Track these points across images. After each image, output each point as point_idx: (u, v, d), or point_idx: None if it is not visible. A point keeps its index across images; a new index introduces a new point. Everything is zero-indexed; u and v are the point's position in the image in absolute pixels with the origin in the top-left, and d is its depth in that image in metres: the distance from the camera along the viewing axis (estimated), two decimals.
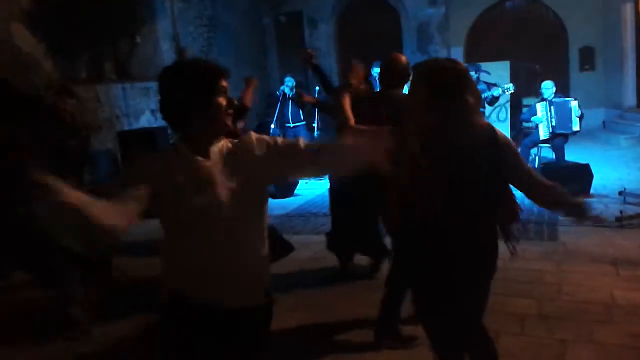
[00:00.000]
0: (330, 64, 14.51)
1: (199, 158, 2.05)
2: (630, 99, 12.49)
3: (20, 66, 7.56)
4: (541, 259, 5.29)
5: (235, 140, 2.18)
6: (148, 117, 9.77)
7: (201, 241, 2.04)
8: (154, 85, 9.95)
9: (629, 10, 12.30)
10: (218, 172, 2.06)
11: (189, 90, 1.99)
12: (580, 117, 8.39)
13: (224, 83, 2.06)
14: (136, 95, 9.49)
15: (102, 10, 8.95)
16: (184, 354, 2.10)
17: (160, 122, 10.00)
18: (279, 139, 2.20)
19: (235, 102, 4.69)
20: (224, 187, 2.05)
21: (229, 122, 2.10)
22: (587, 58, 13.25)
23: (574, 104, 8.37)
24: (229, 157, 2.10)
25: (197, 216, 2.01)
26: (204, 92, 2.01)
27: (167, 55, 10.05)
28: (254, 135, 2.17)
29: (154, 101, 9.88)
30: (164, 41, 10.11)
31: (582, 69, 13.32)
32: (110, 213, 1.78)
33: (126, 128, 9.23)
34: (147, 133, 8.69)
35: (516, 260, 4.99)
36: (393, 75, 4.07)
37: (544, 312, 4.15)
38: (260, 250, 2.18)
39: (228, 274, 2.08)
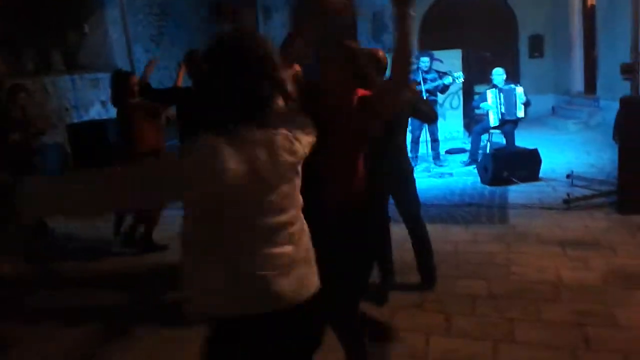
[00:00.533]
0: None
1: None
2: (578, 85, 12.84)
3: None
4: (492, 241, 5.40)
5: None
6: (98, 109, 9.54)
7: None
8: (104, 75, 9.73)
9: None
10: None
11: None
12: (526, 104, 8.56)
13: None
14: (86, 87, 9.27)
15: (48, 0, 8.70)
16: None
17: (110, 114, 9.84)
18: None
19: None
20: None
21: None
22: (536, 45, 13.54)
23: (519, 90, 8.53)
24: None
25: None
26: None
27: (116, 44, 9.82)
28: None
29: (103, 92, 9.66)
30: (113, 30, 9.87)
31: (531, 56, 13.60)
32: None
33: (76, 120, 9.01)
34: (98, 125, 8.51)
35: (468, 243, 5.17)
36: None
37: (493, 293, 4.24)
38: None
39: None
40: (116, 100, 5.58)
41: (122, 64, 9.87)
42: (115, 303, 4.69)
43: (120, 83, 5.50)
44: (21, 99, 6.12)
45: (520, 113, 8.52)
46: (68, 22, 9.52)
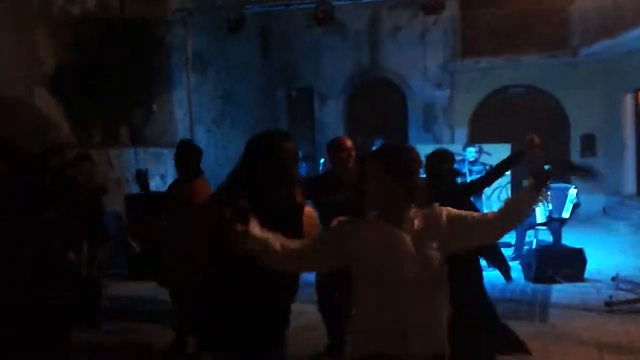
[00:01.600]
0: None
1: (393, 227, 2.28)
2: (630, 187, 12.72)
3: (39, 127, 7.95)
4: (530, 339, 5.33)
5: (426, 211, 2.37)
6: (157, 182, 10.07)
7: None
8: (166, 151, 10.31)
9: (629, 101, 12.74)
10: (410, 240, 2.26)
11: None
12: (576, 205, 8.56)
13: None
14: (148, 160, 9.82)
15: (120, 78, 9.42)
16: None
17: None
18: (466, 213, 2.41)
19: None
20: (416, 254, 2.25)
21: None
22: (588, 145, 13.58)
23: (572, 191, 8.55)
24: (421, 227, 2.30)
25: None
26: None
27: (181, 123, 10.47)
28: (444, 208, 2.38)
29: (164, 166, 10.20)
30: (179, 110, 10.55)
31: (583, 155, 13.61)
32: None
33: (135, 192, 9.49)
34: (155, 197, 8.91)
35: None
36: None
37: None
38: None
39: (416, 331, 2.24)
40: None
41: None
42: None
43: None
44: (86, 167, 6.56)
45: (566, 214, 8.52)
46: (137, 100, 10.23)
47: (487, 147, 10.07)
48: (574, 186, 8.90)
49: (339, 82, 15.00)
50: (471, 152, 8.99)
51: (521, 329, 5.60)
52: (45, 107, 8.16)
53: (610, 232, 11.29)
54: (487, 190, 9.76)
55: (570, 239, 8.79)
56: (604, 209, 12.72)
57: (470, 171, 8.82)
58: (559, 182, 8.98)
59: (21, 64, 7.92)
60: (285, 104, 15.51)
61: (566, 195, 8.53)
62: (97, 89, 8.97)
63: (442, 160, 4.96)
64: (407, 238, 2.25)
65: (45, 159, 6.07)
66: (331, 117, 15.19)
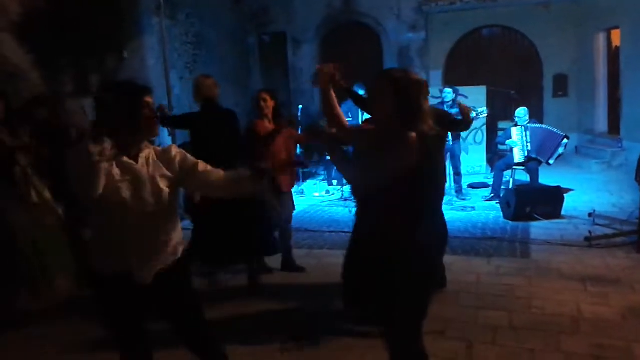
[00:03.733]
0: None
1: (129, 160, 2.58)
2: (601, 125, 12.92)
3: (7, 76, 7.66)
4: (513, 274, 5.52)
5: (160, 149, 2.74)
6: None
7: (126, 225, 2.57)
8: None
9: (601, 40, 12.79)
10: (144, 172, 2.60)
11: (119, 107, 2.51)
12: (560, 155, 8.69)
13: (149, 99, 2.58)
14: None
15: (90, 25, 9.08)
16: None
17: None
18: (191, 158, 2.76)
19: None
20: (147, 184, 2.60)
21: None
22: (561, 85, 13.68)
23: (565, 141, 8.62)
24: (153, 162, 2.66)
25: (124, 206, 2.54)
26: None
27: (153, 70, 10.18)
28: (175, 148, 2.77)
29: None
30: (150, 57, 10.25)
31: (555, 95, 13.73)
32: None
33: None
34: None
35: (489, 275, 5.29)
36: None
37: (514, 324, 4.36)
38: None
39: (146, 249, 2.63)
40: None
41: (158, 89, 10.24)
42: None
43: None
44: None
45: (552, 161, 8.64)
46: (107, 48, 9.90)
47: (462, 89, 10.06)
48: (566, 135, 8.96)
49: (312, 26, 14.71)
50: (449, 93, 9.01)
51: (505, 265, 5.79)
52: (13, 55, 7.84)
53: (582, 170, 11.52)
54: (463, 133, 9.83)
55: (544, 178, 8.95)
56: (576, 148, 12.94)
57: None
58: (533, 122, 9.07)
59: None
60: (258, 49, 15.18)
61: (559, 145, 8.61)
62: (66, 36, 8.64)
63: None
64: None
65: (31, 111, 5.96)
66: (305, 62, 14.95)
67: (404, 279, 2.71)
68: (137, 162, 2.59)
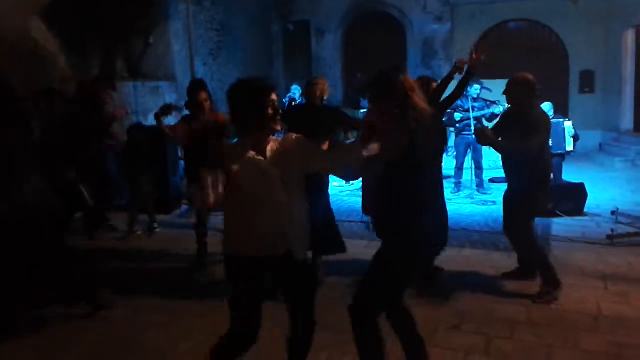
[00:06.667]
0: (334, 73, 14.75)
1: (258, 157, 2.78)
2: (627, 123, 12.77)
3: (36, 59, 7.77)
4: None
5: (280, 139, 2.91)
6: None
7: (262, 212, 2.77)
8: (164, 84, 10.16)
9: (630, 37, 12.61)
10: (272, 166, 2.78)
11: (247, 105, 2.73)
12: (575, 138, 8.60)
13: (274, 97, 2.75)
14: (146, 94, 9.69)
15: (116, 9, 9.17)
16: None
17: (168, 121, 10.21)
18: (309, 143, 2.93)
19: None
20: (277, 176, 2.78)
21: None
22: (587, 81, 13.52)
23: (567, 124, 8.58)
24: (278, 153, 2.83)
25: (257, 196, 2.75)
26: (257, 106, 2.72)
27: (177, 56, 10.26)
28: (293, 135, 2.94)
29: (163, 100, 10.08)
30: (175, 42, 10.32)
31: (581, 91, 13.57)
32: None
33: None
34: (154, 130, 8.83)
35: (509, 270, 5.28)
36: None
37: (533, 319, 4.36)
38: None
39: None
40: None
41: (182, 74, 10.31)
42: None
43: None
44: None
45: (570, 147, 8.56)
46: (134, 33, 9.99)
47: (487, 82, 9.98)
48: (568, 118, 8.91)
49: (337, 15, 14.69)
50: (476, 89, 8.92)
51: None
52: (42, 39, 7.95)
53: (606, 168, 11.40)
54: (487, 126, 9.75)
55: (567, 174, 8.87)
56: (600, 145, 12.80)
57: (473, 108, 8.78)
58: (557, 118, 8.97)
59: None
60: (282, 38, 15.20)
61: (563, 129, 8.55)
62: (94, 20, 8.74)
63: (423, 84, 5.01)
64: None
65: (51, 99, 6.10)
66: (328, 52, 14.95)
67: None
68: (265, 156, 2.79)
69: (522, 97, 4.83)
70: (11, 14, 7.19)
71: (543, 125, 4.73)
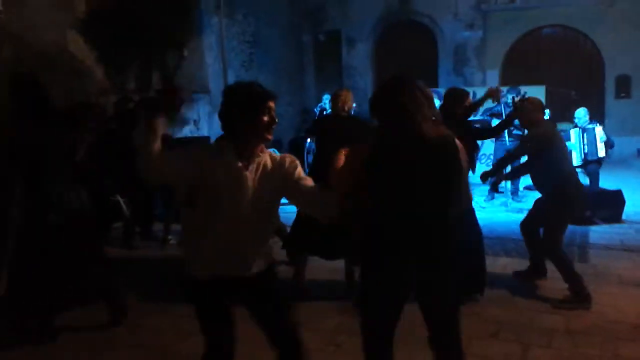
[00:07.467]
0: (365, 82, 14.78)
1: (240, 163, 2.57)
2: None
3: (73, 72, 7.97)
4: None
5: (277, 157, 2.71)
6: (191, 128, 10.14)
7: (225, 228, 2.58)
8: (198, 96, 10.32)
9: None
10: (251, 178, 2.58)
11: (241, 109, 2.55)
12: (608, 144, 8.46)
13: (271, 104, 2.57)
14: (182, 106, 9.84)
15: (151, 23, 9.36)
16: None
17: (200, 133, 10.38)
18: (300, 172, 2.69)
19: None
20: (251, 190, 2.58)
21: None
22: (624, 86, 13.28)
23: (598, 130, 8.45)
24: (264, 171, 2.63)
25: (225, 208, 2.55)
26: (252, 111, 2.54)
27: (211, 68, 10.42)
28: (289, 157, 2.72)
29: (196, 112, 10.24)
30: (208, 55, 10.49)
31: (617, 96, 13.33)
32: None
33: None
34: (187, 142, 9.01)
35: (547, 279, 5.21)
36: None
37: (571, 328, 4.29)
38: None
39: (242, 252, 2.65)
40: None
41: (216, 86, 10.46)
42: None
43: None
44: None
45: (601, 152, 8.43)
46: (168, 46, 10.18)
47: (523, 89, 9.91)
48: (598, 124, 8.77)
49: (368, 24, 14.73)
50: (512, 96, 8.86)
51: None
52: (79, 52, 8.16)
53: None
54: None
55: (604, 181, 8.72)
56: (638, 151, 12.54)
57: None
58: (593, 123, 8.84)
59: (54, 7, 7.86)
60: (313, 47, 15.30)
61: (594, 135, 8.43)
62: (129, 34, 8.94)
63: (456, 99, 5.00)
64: None
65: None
66: (359, 61, 14.99)
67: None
68: (248, 167, 2.58)
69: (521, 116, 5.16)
70: (49, 27, 7.41)
71: (542, 143, 4.89)
